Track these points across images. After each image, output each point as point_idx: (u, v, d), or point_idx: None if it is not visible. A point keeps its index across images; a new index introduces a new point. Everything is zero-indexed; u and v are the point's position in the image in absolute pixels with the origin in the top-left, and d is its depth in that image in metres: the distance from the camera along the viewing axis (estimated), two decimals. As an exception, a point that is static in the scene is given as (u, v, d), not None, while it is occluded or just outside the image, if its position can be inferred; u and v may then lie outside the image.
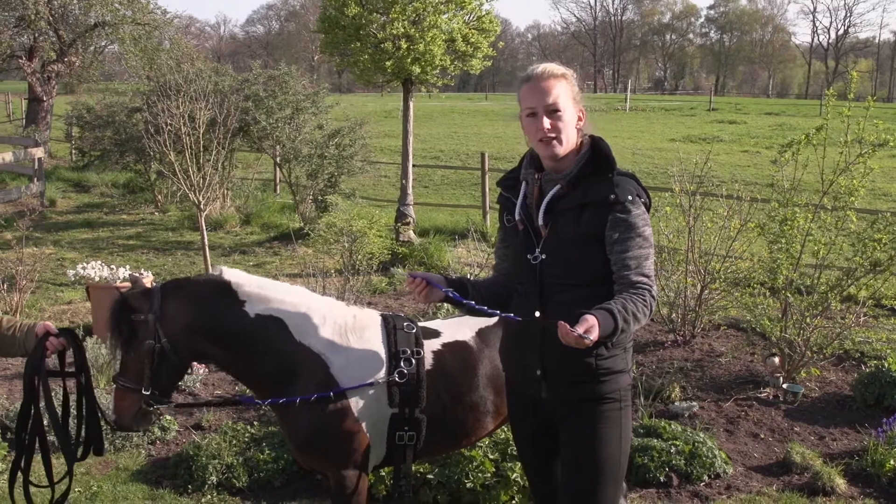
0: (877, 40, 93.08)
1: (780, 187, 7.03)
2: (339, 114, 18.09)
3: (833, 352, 6.97)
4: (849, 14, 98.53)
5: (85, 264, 8.05)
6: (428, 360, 3.64)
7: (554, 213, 2.95)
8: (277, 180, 18.15)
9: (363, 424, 3.48)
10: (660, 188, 10.66)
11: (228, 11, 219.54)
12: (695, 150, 18.64)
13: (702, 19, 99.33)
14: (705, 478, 5.18)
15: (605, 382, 2.94)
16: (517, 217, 3.04)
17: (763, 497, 5.03)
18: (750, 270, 7.52)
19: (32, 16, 22.59)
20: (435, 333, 3.81)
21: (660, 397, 6.36)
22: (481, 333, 3.86)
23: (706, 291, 7.83)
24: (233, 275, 3.52)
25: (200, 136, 10.61)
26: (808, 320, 6.76)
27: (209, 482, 5.00)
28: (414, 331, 3.67)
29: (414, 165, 13.64)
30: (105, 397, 5.71)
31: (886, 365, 6.46)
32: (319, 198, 14.19)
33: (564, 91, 2.89)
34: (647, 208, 2.95)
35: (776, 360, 6.99)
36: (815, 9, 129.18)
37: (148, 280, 6.25)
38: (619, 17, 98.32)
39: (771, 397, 6.62)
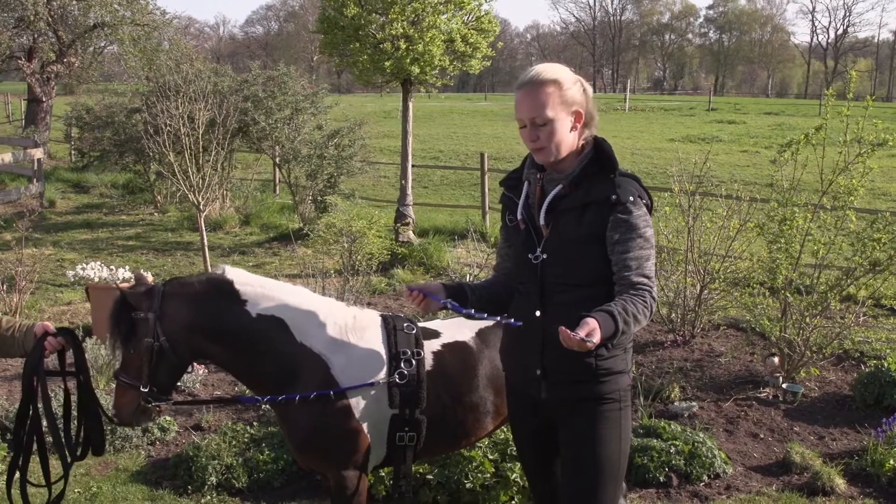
0: (876, 40, 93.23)
1: (779, 187, 7.03)
2: (338, 114, 18.10)
3: (832, 351, 6.97)
4: (848, 13, 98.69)
5: (84, 265, 8.05)
6: (428, 361, 3.64)
7: (555, 213, 2.95)
8: (277, 181, 18.15)
9: (364, 425, 3.48)
10: (659, 188, 10.67)
11: (227, 12, 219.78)
12: (694, 149, 18.62)
13: (701, 19, 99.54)
14: (705, 478, 5.18)
15: (605, 383, 2.94)
16: (519, 217, 3.04)
17: (763, 497, 5.03)
18: (749, 270, 7.53)
19: (32, 17, 22.59)
20: (435, 334, 3.81)
21: (659, 397, 6.36)
22: (481, 334, 3.87)
23: (706, 291, 7.83)
24: (234, 274, 3.51)
25: (200, 136, 10.62)
26: (807, 320, 6.76)
27: (209, 483, 5.00)
28: (414, 331, 3.67)
29: (413, 166, 13.64)
30: (105, 398, 5.71)
31: (886, 365, 6.47)
32: (319, 198, 14.20)
33: (554, 99, 2.87)
34: (649, 210, 2.95)
35: (776, 359, 6.99)
36: (814, 8, 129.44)
37: (148, 280, 6.25)
38: (618, 17, 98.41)
39: (770, 397, 6.62)
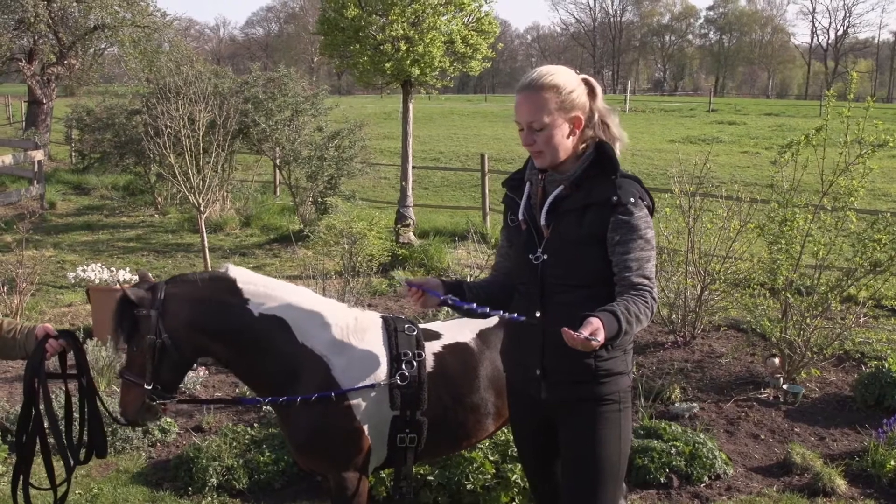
0: (876, 40, 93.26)
1: (779, 188, 7.03)
2: (338, 115, 18.11)
3: (833, 352, 6.97)
4: (848, 14, 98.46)
5: (85, 267, 8.05)
6: (429, 362, 3.63)
7: (557, 213, 2.95)
8: (277, 182, 18.16)
9: (365, 427, 3.48)
10: (659, 189, 10.66)
11: (228, 14, 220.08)
12: (694, 150, 18.63)
13: (701, 20, 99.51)
14: (705, 479, 5.18)
15: (605, 384, 2.95)
16: (521, 217, 3.05)
17: (763, 498, 5.03)
18: (750, 271, 7.53)
19: (32, 18, 22.61)
20: (436, 335, 3.81)
21: (660, 398, 6.36)
22: (482, 335, 3.86)
23: (706, 292, 7.83)
24: (238, 272, 3.52)
25: (200, 138, 10.62)
26: (808, 321, 6.76)
27: (209, 484, 5.00)
28: (415, 333, 3.66)
29: (413, 167, 13.64)
30: (107, 400, 5.71)
31: (887, 365, 6.46)
32: (319, 200, 14.21)
33: (552, 105, 2.87)
34: (650, 211, 2.95)
35: (776, 360, 6.99)
36: (814, 9, 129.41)
37: (151, 279, 6.26)
38: (619, 19, 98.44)
39: (771, 398, 6.62)
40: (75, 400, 3.83)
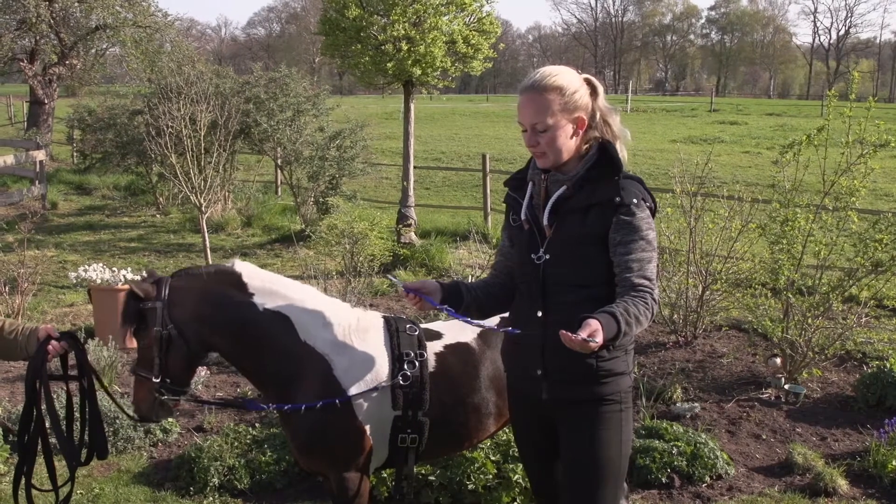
0: (878, 41, 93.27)
1: (781, 188, 7.03)
2: (340, 116, 18.11)
3: (835, 352, 6.97)
4: (850, 14, 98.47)
5: (87, 267, 8.05)
6: (431, 363, 3.63)
7: (559, 213, 2.96)
8: (279, 182, 18.17)
9: (366, 427, 3.48)
10: (661, 189, 10.66)
11: (229, 14, 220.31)
12: (696, 151, 18.64)
13: (703, 20, 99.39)
14: (707, 479, 5.18)
15: (606, 384, 2.95)
16: (523, 217, 3.05)
17: (765, 498, 5.02)
18: (751, 271, 7.53)
19: (33, 19, 22.65)
20: (437, 335, 3.81)
21: (661, 398, 6.36)
22: (483, 335, 3.86)
23: (707, 292, 7.83)
24: (244, 267, 3.53)
25: (201, 138, 10.64)
26: (809, 321, 6.76)
27: (211, 484, 5.01)
28: (417, 333, 3.66)
29: (415, 167, 13.64)
30: (107, 400, 5.72)
31: (888, 365, 6.46)
32: (321, 200, 14.21)
33: (555, 106, 2.87)
34: (653, 212, 2.95)
35: (778, 360, 6.98)
36: (815, 9, 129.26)
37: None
38: (620, 19, 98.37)
39: (773, 398, 6.62)
40: (76, 401, 3.83)
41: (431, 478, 4.67)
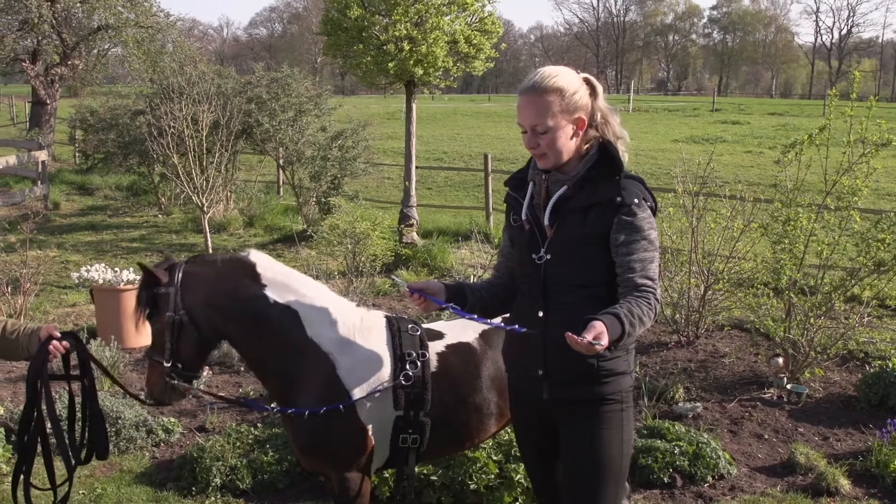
0: (880, 40, 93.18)
1: (783, 188, 7.03)
2: (342, 115, 18.12)
3: (837, 352, 6.97)
4: (852, 14, 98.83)
5: (89, 267, 8.06)
6: (432, 363, 3.63)
7: (560, 213, 2.95)
8: (281, 182, 18.17)
9: (368, 427, 3.48)
10: (663, 189, 10.66)
11: (231, 14, 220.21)
12: (698, 150, 18.63)
13: (704, 20, 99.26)
14: (709, 479, 5.18)
15: (607, 384, 2.95)
16: (524, 217, 3.05)
17: (767, 498, 5.02)
18: (753, 271, 7.53)
19: (36, 19, 22.68)
20: (439, 335, 3.81)
21: (664, 398, 6.35)
22: (485, 335, 3.86)
23: (710, 292, 7.82)
24: (258, 257, 3.54)
25: (203, 138, 10.65)
26: (811, 321, 6.75)
27: (213, 484, 5.01)
28: (418, 333, 3.66)
29: (417, 167, 13.64)
30: (109, 400, 5.73)
31: (890, 365, 6.45)
32: (323, 200, 14.21)
33: (555, 108, 2.86)
34: (654, 212, 2.95)
35: (780, 360, 6.98)
36: (817, 9, 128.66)
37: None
38: (622, 18, 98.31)
39: (775, 398, 6.61)
40: (79, 401, 3.84)
41: (433, 477, 4.68)
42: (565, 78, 2.90)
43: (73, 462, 3.73)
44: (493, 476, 4.66)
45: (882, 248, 6.53)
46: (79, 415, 3.84)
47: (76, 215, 16.41)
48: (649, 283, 2.83)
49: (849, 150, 6.63)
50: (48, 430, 3.73)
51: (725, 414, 6.28)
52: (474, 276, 9.28)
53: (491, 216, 14.43)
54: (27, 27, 23.63)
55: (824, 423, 6.18)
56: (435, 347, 3.70)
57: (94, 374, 3.85)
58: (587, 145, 2.97)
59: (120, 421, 5.60)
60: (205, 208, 10.24)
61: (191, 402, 6.45)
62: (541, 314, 2.96)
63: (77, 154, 22.39)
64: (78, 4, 24.02)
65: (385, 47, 11.65)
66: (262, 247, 13.22)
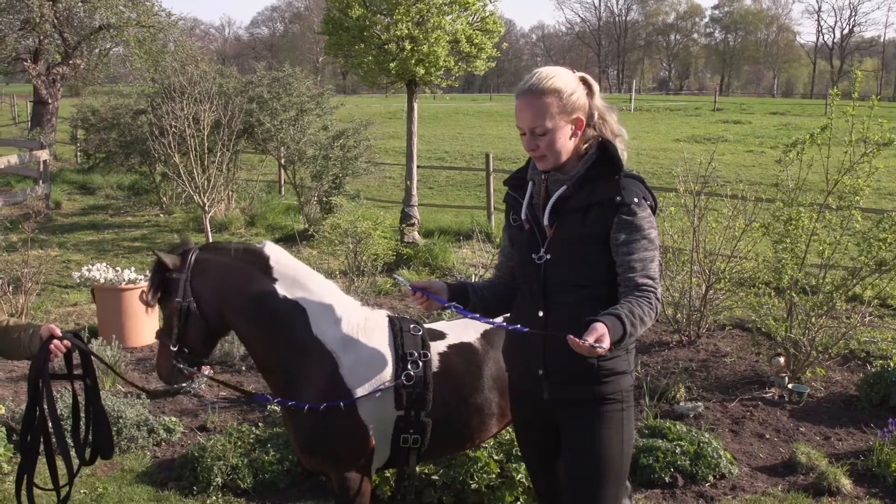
0: (882, 39, 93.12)
1: (784, 187, 7.02)
2: (343, 115, 18.12)
3: (838, 352, 6.96)
4: (854, 13, 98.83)
5: (90, 266, 8.07)
6: (434, 363, 3.63)
7: (560, 213, 2.95)
8: (282, 182, 18.17)
9: (369, 427, 3.48)
10: (664, 188, 10.65)
11: (233, 13, 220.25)
12: (699, 150, 18.61)
13: (706, 19, 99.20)
14: (710, 478, 5.17)
15: (607, 383, 2.94)
16: (523, 217, 3.05)
17: (768, 497, 5.02)
18: (755, 270, 7.52)
19: (37, 19, 22.69)
20: (440, 335, 3.81)
21: (665, 398, 6.35)
22: (486, 335, 3.86)
23: (711, 291, 7.82)
24: (272, 250, 3.54)
25: (205, 137, 10.66)
26: (813, 320, 6.75)
27: (214, 483, 5.01)
28: (420, 333, 3.66)
29: (418, 166, 13.64)
30: (111, 399, 5.73)
31: (892, 365, 6.45)
32: (324, 199, 14.22)
33: (553, 109, 2.86)
34: (654, 211, 2.95)
35: (781, 360, 6.98)
36: (819, 8, 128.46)
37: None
38: (624, 18, 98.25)
39: (776, 397, 6.61)
40: (81, 400, 3.84)
41: (434, 477, 4.68)
42: (562, 79, 2.89)
43: (78, 462, 3.73)
44: (494, 475, 4.66)
45: (883, 247, 6.53)
46: (82, 414, 3.84)
47: (78, 215, 16.41)
48: (650, 282, 2.82)
49: (850, 149, 6.63)
50: (50, 430, 3.73)
51: (727, 413, 6.28)
52: (476, 275, 9.28)
53: (492, 216, 14.43)
54: (29, 27, 23.64)
55: (826, 422, 6.18)
56: (437, 347, 3.70)
57: (96, 373, 3.85)
58: (586, 145, 2.97)
59: (121, 420, 5.61)
60: (206, 208, 10.24)
61: (192, 402, 6.46)
62: (541, 314, 2.95)
63: (78, 153, 22.40)
64: (79, 4, 24.02)
65: (386, 47, 11.66)
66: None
